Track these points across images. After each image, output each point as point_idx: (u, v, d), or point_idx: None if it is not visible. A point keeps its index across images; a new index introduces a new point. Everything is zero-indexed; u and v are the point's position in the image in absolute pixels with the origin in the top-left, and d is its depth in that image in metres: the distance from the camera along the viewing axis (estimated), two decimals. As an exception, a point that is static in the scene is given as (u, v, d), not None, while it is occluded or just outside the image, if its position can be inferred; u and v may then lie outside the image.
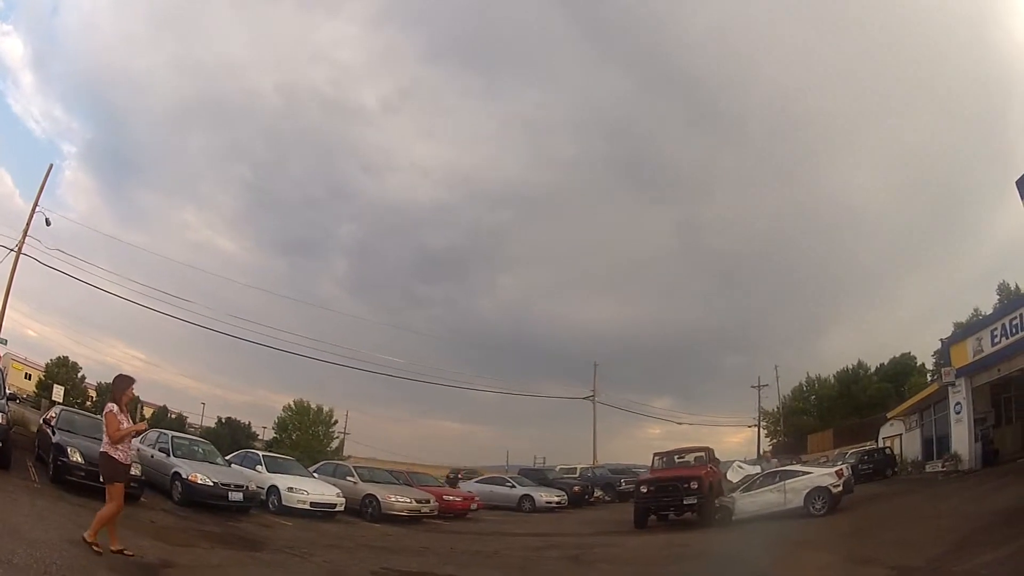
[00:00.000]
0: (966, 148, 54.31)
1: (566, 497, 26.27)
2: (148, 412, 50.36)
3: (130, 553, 8.35)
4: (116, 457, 8.58)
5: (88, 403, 45.57)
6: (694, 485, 17.99)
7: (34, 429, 18.99)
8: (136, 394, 11.21)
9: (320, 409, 50.43)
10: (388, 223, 73.97)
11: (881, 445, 30.44)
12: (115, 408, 8.70)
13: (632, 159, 70.09)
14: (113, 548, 8.24)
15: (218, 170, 73.98)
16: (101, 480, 8.81)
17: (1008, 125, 54.09)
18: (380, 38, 71.47)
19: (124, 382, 9.23)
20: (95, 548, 8.11)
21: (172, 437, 17.93)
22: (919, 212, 56.05)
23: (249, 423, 52.94)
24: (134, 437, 9.18)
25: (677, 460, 21.12)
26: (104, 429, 8.71)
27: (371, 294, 75.28)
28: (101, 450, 8.72)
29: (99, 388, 47.40)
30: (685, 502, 17.96)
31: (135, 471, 13.59)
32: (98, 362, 52.79)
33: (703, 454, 21.10)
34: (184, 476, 15.25)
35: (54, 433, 14.31)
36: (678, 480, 18.42)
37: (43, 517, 9.19)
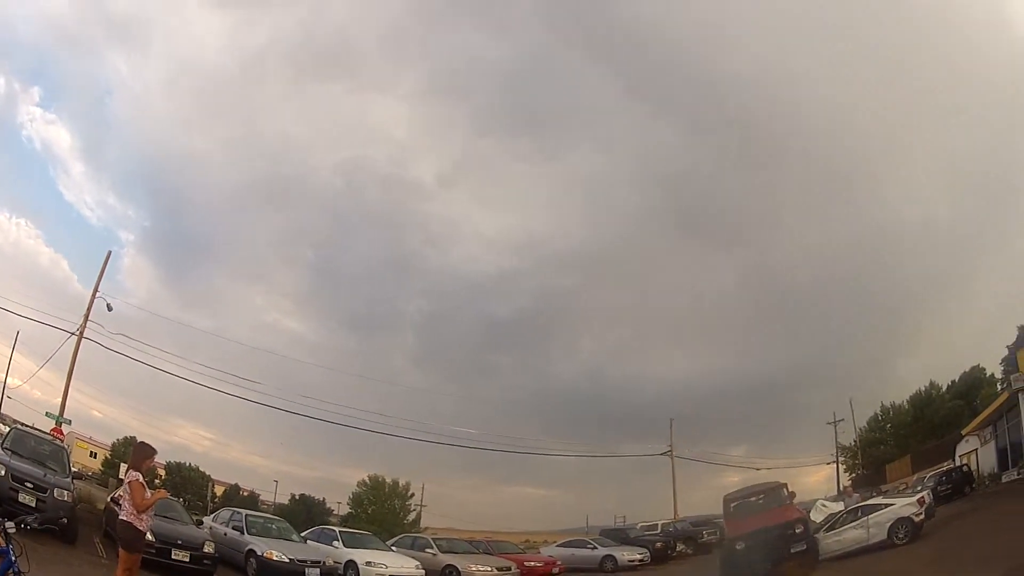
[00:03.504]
0: (1018, 142, 53.33)
1: (648, 554, 25.79)
2: (219, 490, 51.01)
3: None
4: (139, 527, 8.68)
5: (157, 480, 46.28)
6: (800, 529, 16.79)
7: (100, 506, 19.36)
8: (158, 462, 11.35)
9: (396, 483, 49.96)
10: (453, 294, 74.92)
11: (958, 464, 29.65)
12: (139, 477, 8.82)
13: (691, 207, 70.21)
14: None
15: (281, 251, 75.79)
16: (120, 547, 8.84)
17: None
18: (430, 113, 73.83)
19: (145, 451, 9.42)
20: None
21: (246, 515, 18.40)
22: (979, 215, 54.70)
23: (323, 499, 52.44)
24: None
25: (755, 501, 19.44)
26: (129, 498, 8.74)
27: (440, 366, 75.38)
28: (123, 518, 8.77)
29: (167, 467, 48.21)
30: (794, 551, 16.35)
31: (208, 548, 14.49)
32: (166, 442, 53.56)
33: (779, 490, 19.43)
34: (259, 553, 15.54)
35: (120, 511, 14.89)
36: (781, 527, 16.82)
37: None
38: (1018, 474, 22.33)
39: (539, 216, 73.54)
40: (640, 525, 34.07)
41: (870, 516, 17.33)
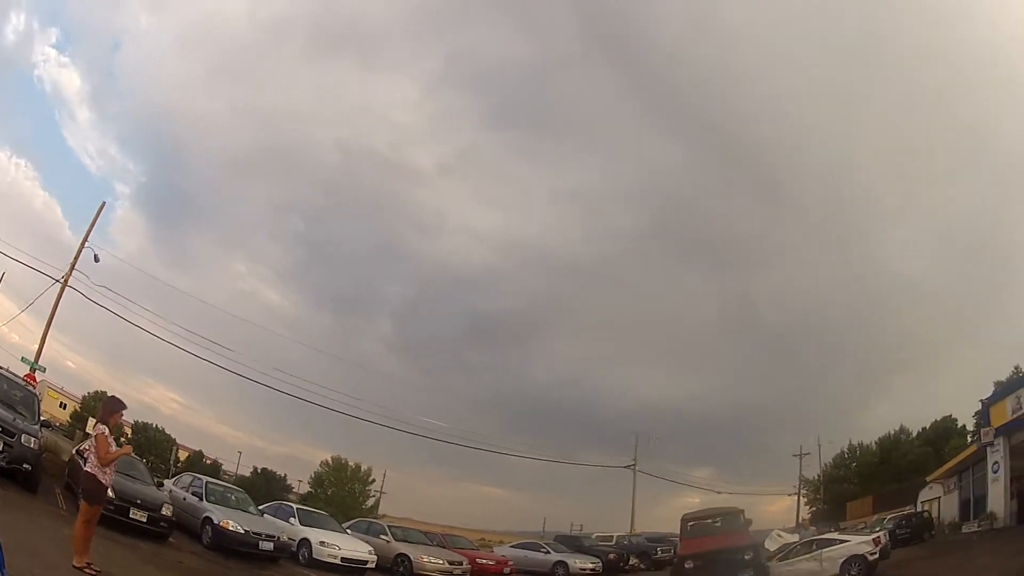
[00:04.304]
0: (1013, 207, 54.16)
1: (600, 564, 25.91)
2: (183, 455, 51.02)
3: (97, 569, 8.42)
4: (102, 480, 8.68)
5: (122, 439, 45.99)
6: (749, 556, 17.20)
7: (65, 458, 19.26)
8: (124, 419, 11.52)
9: (358, 467, 50.32)
10: (439, 286, 74.74)
11: (919, 509, 29.98)
12: (106, 430, 8.81)
13: (686, 232, 70.66)
14: (76, 564, 8.28)
15: (272, 221, 75.43)
16: (81, 498, 8.88)
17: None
18: (440, 100, 73.49)
19: (115, 404, 9.40)
20: (88, 571, 8.27)
21: (207, 482, 18.28)
22: (969, 277, 55.49)
23: (285, 476, 52.72)
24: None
25: (712, 523, 20.08)
26: (94, 451, 8.78)
27: (417, 355, 75.30)
28: (87, 470, 8.82)
29: (134, 426, 47.89)
30: None
31: (166, 511, 14.38)
32: (136, 401, 52.97)
33: (737, 516, 20.10)
34: (215, 521, 15.47)
35: (85, 463, 14.87)
36: (732, 551, 17.33)
37: (65, 542, 9.14)
38: (978, 526, 22.52)
39: (534, 219, 73.68)
40: (596, 535, 34.48)
41: (824, 550, 17.54)
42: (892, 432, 45.60)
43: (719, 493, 46.16)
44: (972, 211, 54.36)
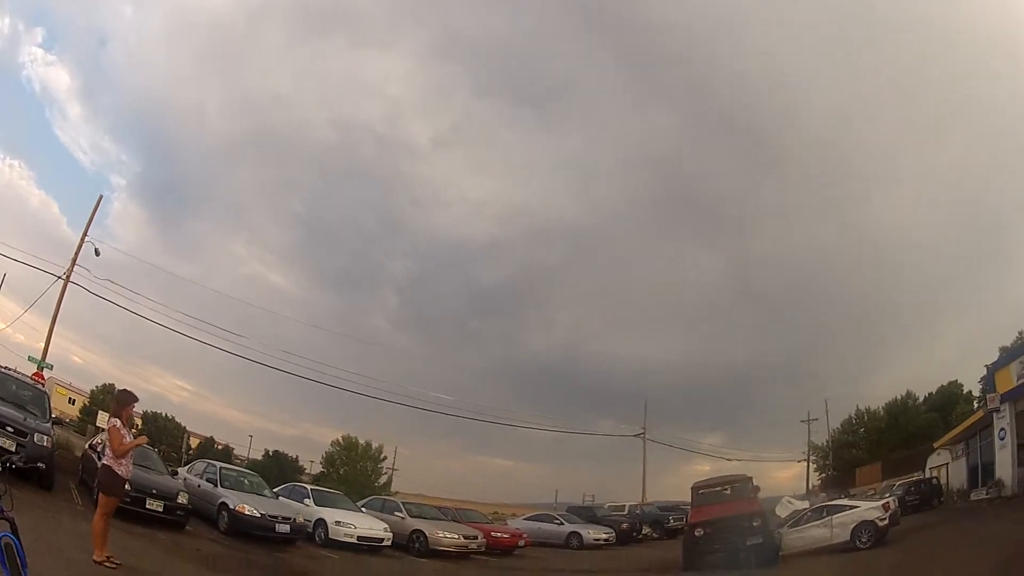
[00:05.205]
0: (1012, 176, 53.67)
1: (614, 534, 26.16)
2: (194, 442, 51.14)
3: (117, 562, 8.62)
4: (118, 472, 8.87)
5: (133, 430, 45.71)
6: (757, 523, 17.15)
7: (78, 453, 19.44)
8: (135, 410, 11.53)
9: (368, 445, 50.27)
10: (440, 258, 74.58)
11: (928, 476, 30.08)
12: (118, 423, 9.02)
13: (681, 196, 70.23)
14: (96, 559, 8.44)
15: (270, 204, 74.93)
16: (97, 491, 9.09)
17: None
18: (432, 73, 73.08)
19: (127, 397, 9.64)
20: (108, 564, 8.47)
21: (220, 468, 18.48)
22: (967, 234, 55.05)
23: (296, 457, 52.41)
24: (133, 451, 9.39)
25: (721, 491, 20.06)
26: (107, 443, 9.01)
27: (423, 329, 75.11)
28: (104, 463, 9.01)
29: (144, 416, 47.53)
30: (750, 543, 16.65)
31: (182, 499, 14.59)
32: (144, 391, 52.92)
33: (746, 483, 20.32)
34: (231, 507, 15.68)
35: (99, 458, 14.91)
36: (740, 518, 17.31)
37: (83, 538, 9.27)
38: (987, 493, 22.49)
39: (530, 187, 73.07)
40: (608, 505, 34.86)
41: (834, 516, 17.43)
42: (899, 397, 45.57)
43: (729, 460, 46.08)
44: (962, 165, 53.87)
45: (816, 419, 47.36)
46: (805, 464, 47.95)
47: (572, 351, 68.82)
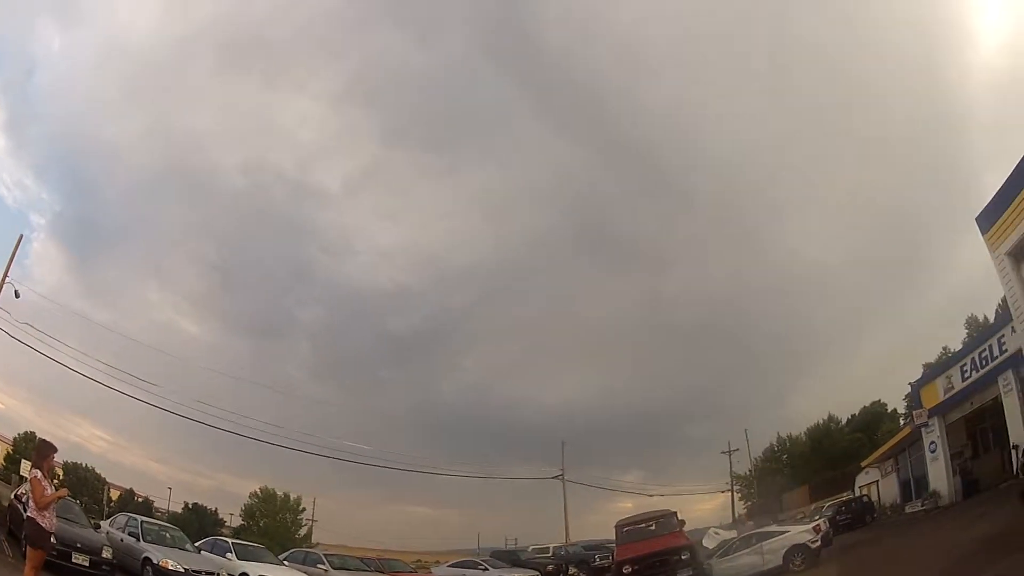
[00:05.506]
0: (923, 191, 55.72)
1: (540, 577, 25.73)
2: (115, 494, 48.99)
3: None
4: (43, 524, 8.75)
5: (55, 480, 42.88)
6: (686, 556, 17.50)
7: (5, 503, 18.95)
8: (56, 460, 11.44)
9: (287, 496, 49.75)
10: (351, 306, 73.44)
11: (858, 494, 30.68)
12: (39, 475, 8.91)
13: (592, 230, 70.89)
14: None
15: (183, 248, 72.80)
16: (25, 544, 9.10)
17: (961, 164, 55.68)
18: (344, 115, 72.41)
19: (46, 448, 9.62)
20: None
21: (142, 522, 18.54)
22: (883, 258, 56.76)
23: (216, 510, 51.10)
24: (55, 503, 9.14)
25: (646, 527, 20.41)
26: (29, 496, 8.96)
27: (336, 378, 73.61)
28: (28, 515, 8.92)
29: (65, 467, 45.57)
30: None
31: (107, 554, 14.77)
32: (64, 440, 50.08)
33: (670, 518, 20.45)
34: (155, 562, 15.70)
35: (25, 509, 13.76)
36: (667, 553, 17.71)
37: None
38: (922, 505, 23.17)
39: (440, 231, 73.06)
40: (532, 548, 34.92)
41: (764, 543, 17.67)
42: (821, 421, 46.10)
43: (651, 496, 46.36)
44: (876, 194, 55.68)
45: (737, 449, 48.01)
46: (729, 494, 48.43)
47: (484, 394, 68.41)
